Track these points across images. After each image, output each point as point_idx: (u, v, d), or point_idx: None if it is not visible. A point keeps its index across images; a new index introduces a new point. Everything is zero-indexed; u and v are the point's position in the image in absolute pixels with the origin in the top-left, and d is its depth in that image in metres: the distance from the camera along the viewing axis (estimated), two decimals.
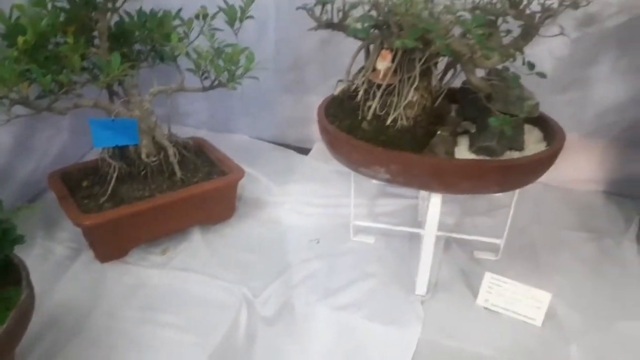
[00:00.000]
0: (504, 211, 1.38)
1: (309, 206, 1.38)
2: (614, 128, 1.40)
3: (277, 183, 1.46)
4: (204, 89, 1.19)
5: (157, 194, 1.15)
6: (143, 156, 1.17)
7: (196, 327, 1.00)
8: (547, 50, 1.32)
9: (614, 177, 1.48)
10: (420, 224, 1.29)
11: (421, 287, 1.08)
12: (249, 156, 1.57)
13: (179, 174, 1.20)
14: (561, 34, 0.98)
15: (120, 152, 1.18)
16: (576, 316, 1.04)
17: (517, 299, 1.03)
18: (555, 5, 0.92)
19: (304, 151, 1.66)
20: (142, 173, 1.18)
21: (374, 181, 1.08)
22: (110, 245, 1.12)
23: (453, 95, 1.15)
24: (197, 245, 1.19)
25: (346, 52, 1.05)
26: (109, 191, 1.13)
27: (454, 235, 1.24)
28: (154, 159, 1.18)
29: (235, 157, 1.37)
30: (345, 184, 1.21)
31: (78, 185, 1.20)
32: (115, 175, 1.13)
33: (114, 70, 0.97)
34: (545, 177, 1.51)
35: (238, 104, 1.70)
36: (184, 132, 1.48)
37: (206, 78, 1.18)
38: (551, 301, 1.03)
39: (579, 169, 1.50)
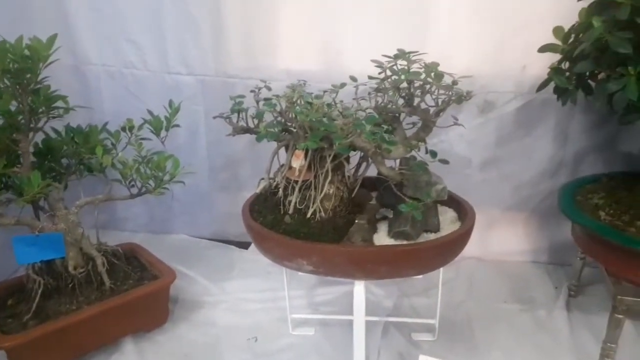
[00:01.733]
0: (441, 290, 1.42)
1: (247, 302, 1.37)
2: (531, 200, 1.50)
3: (214, 282, 1.46)
4: (132, 196, 1.22)
5: (84, 306, 1.12)
6: (70, 269, 1.16)
7: None
8: (458, 135, 1.43)
9: (541, 247, 1.56)
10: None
11: None
12: (187, 256, 1.58)
13: (107, 283, 1.18)
14: (455, 124, 1.07)
15: (47, 267, 1.16)
16: None
17: None
18: (446, 100, 1.02)
19: (245, 245, 1.68)
20: (70, 286, 1.16)
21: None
22: None
23: (373, 184, 1.22)
24: (128, 356, 1.15)
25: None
26: (34, 308, 1.10)
27: (390, 319, 1.26)
28: (82, 270, 1.17)
29: (174, 258, 1.37)
30: (286, 277, 1.22)
31: (2, 305, 1.16)
32: (40, 290, 1.11)
33: (34, 188, 0.99)
34: (478, 252, 1.60)
35: (176, 204, 1.72)
36: (122, 237, 1.49)
37: (133, 186, 1.21)
38: None
39: (507, 241, 1.57)
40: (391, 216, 1.11)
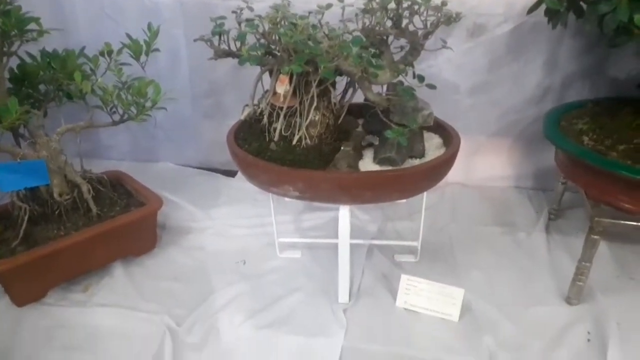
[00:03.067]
0: (425, 214, 1.44)
1: (235, 228, 1.39)
2: (516, 126, 1.50)
3: (202, 208, 1.47)
4: (114, 123, 1.20)
5: (72, 232, 1.13)
6: (55, 195, 1.16)
7: None
8: (447, 60, 1.41)
9: (524, 172, 1.58)
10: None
11: (343, 296, 1.12)
12: (173, 184, 1.58)
13: (94, 209, 1.19)
14: (443, 47, 1.05)
15: (32, 194, 1.16)
16: (491, 308, 1.10)
17: (433, 298, 1.08)
18: (435, 22, 0.99)
19: (232, 173, 1.68)
20: (56, 213, 1.16)
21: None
22: (26, 288, 1.09)
23: (360, 111, 1.21)
24: (118, 279, 1.18)
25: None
26: (21, 234, 1.11)
27: (375, 242, 1.29)
28: (67, 197, 1.17)
29: (160, 186, 1.37)
30: (273, 203, 1.24)
31: None
32: (26, 217, 1.11)
33: (12, 114, 0.96)
34: (463, 177, 1.62)
35: (160, 132, 1.70)
36: (106, 165, 1.47)
37: (114, 112, 1.18)
38: (467, 296, 1.09)
39: (491, 167, 1.59)
40: (377, 143, 1.11)
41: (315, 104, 1.01)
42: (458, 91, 1.45)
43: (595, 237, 1.03)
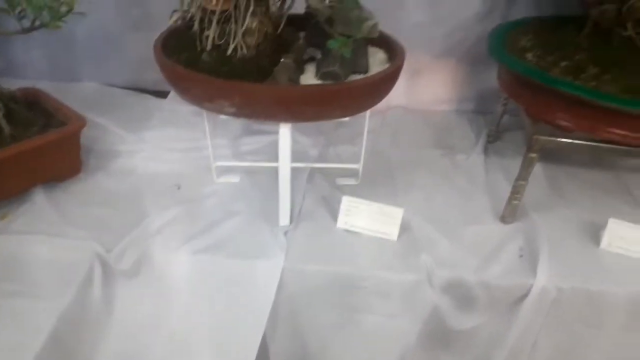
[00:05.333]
0: (366, 138, 1.42)
1: (169, 152, 1.31)
2: (461, 46, 1.47)
3: (131, 131, 1.37)
4: (24, 31, 1.05)
5: None
6: None
7: (44, 291, 0.93)
8: None
9: (467, 95, 1.57)
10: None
11: (284, 219, 1.09)
12: (99, 105, 1.45)
13: (7, 129, 1.07)
14: None
15: None
16: (428, 227, 1.11)
17: (373, 218, 1.08)
18: None
19: (163, 94, 1.56)
20: None
21: (222, 116, 1.04)
22: None
23: (302, 23, 1.13)
24: (40, 206, 1.09)
25: None
26: None
27: (316, 165, 1.26)
28: None
29: (84, 107, 1.24)
30: (209, 126, 1.16)
31: None
32: None
33: None
34: (405, 101, 1.59)
35: (81, 48, 1.54)
36: (22, 85, 1.32)
37: (24, 17, 1.04)
38: (407, 216, 1.09)
39: (434, 90, 1.57)
40: (320, 57, 1.04)
41: (252, 8, 0.93)
42: (402, 6, 1.38)
43: (533, 155, 1.04)
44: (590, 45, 1.05)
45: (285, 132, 0.98)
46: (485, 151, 1.40)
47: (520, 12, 1.37)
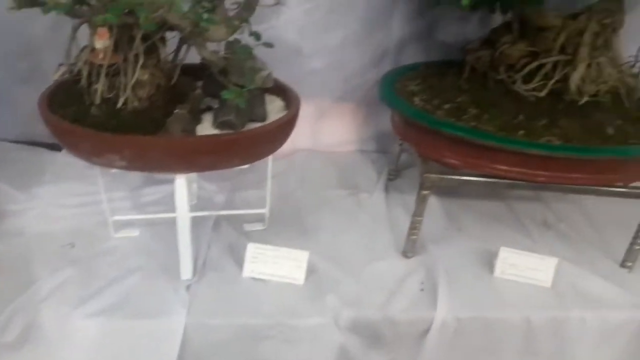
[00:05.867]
0: (273, 182, 1.42)
1: (62, 208, 1.23)
2: (358, 90, 1.54)
3: (21, 188, 1.28)
4: None
5: None
6: None
7: None
8: (288, 21, 1.38)
9: (367, 136, 1.64)
10: (194, 207, 1.26)
11: (186, 272, 1.05)
12: None
13: None
14: (277, 3, 1.01)
15: None
16: (334, 267, 1.12)
17: (280, 264, 1.07)
18: None
19: (57, 147, 1.48)
20: None
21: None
22: None
23: (199, 72, 1.13)
24: None
25: (83, 31, 0.94)
26: None
27: (222, 212, 1.24)
28: None
29: None
30: (106, 179, 1.12)
31: None
32: None
33: None
34: (310, 144, 1.63)
35: None
36: None
37: None
38: (313, 258, 1.10)
39: (338, 132, 1.62)
40: (217, 106, 1.05)
41: (141, 61, 0.91)
42: (301, 53, 1.43)
43: (425, 192, 1.10)
44: (470, 88, 1.14)
45: (181, 183, 0.96)
46: (387, 189, 1.45)
47: (410, 57, 1.47)
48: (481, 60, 1.14)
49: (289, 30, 1.39)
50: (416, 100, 1.15)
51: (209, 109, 1.06)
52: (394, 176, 1.51)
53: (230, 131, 0.96)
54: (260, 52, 1.05)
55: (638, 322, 1.08)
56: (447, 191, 1.41)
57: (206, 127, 0.99)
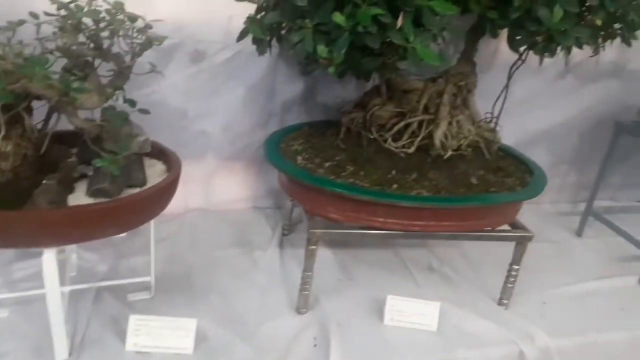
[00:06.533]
0: (163, 245, 1.38)
1: None
2: (248, 150, 1.56)
3: None
4: None
5: None
6: None
7: None
8: (171, 86, 1.38)
9: (260, 193, 1.66)
10: (73, 279, 1.18)
11: (61, 352, 0.97)
12: None
13: None
14: (152, 71, 1.02)
15: None
16: (226, 332, 1.09)
17: (165, 334, 1.03)
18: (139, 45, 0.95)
19: None
20: None
21: None
22: None
23: (73, 139, 1.09)
24: None
25: None
26: None
27: (102, 284, 1.17)
28: None
29: None
30: None
31: None
32: None
33: None
34: (202, 204, 1.61)
35: None
36: None
37: None
38: (203, 324, 1.07)
39: (230, 190, 1.62)
40: (90, 173, 1.01)
41: (3, 132, 0.87)
42: (186, 116, 1.44)
43: (313, 247, 1.13)
44: (347, 147, 1.21)
45: (49, 257, 0.90)
46: (281, 244, 1.47)
47: (295, 117, 1.53)
48: (355, 121, 1.22)
49: (172, 94, 1.39)
50: (299, 159, 1.19)
51: (83, 176, 1.02)
52: (288, 231, 1.53)
53: (104, 199, 0.93)
54: (145, 116, 1.05)
55: (516, 354, 1.16)
56: (339, 243, 1.45)
57: (79, 197, 0.95)
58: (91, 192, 0.95)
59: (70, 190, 0.97)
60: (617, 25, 1.10)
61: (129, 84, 1.01)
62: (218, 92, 1.44)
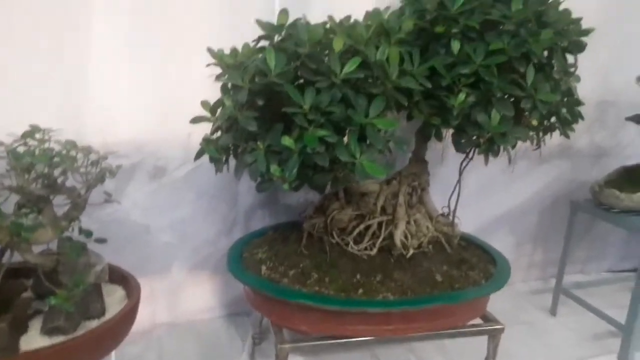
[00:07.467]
0: None
1: None
2: (212, 258, 1.54)
3: None
4: None
5: None
6: None
7: None
8: (132, 204, 1.38)
9: (227, 301, 1.62)
10: None
11: None
12: None
13: None
14: (107, 201, 1.02)
15: None
16: None
17: None
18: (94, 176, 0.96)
19: None
20: None
21: None
22: None
23: (30, 271, 1.06)
24: None
25: None
26: None
27: None
28: None
29: None
30: None
31: None
32: None
33: None
34: (169, 317, 1.56)
35: None
36: None
37: None
38: None
39: (197, 301, 1.58)
40: (46, 309, 0.97)
41: None
42: (149, 231, 1.43)
43: None
44: (311, 253, 1.20)
45: None
46: (252, 355, 1.41)
47: (260, 221, 1.53)
48: (316, 226, 1.23)
49: (134, 211, 1.39)
50: (264, 268, 1.18)
51: (38, 312, 0.98)
52: (259, 339, 1.48)
53: (59, 339, 0.89)
54: (108, 231, 1.04)
55: None
56: (313, 350, 1.40)
57: (34, 336, 0.91)
58: (46, 331, 0.91)
59: (24, 329, 0.93)
60: (553, 119, 1.17)
61: (89, 204, 1.01)
62: (180, 205, 1.44)
